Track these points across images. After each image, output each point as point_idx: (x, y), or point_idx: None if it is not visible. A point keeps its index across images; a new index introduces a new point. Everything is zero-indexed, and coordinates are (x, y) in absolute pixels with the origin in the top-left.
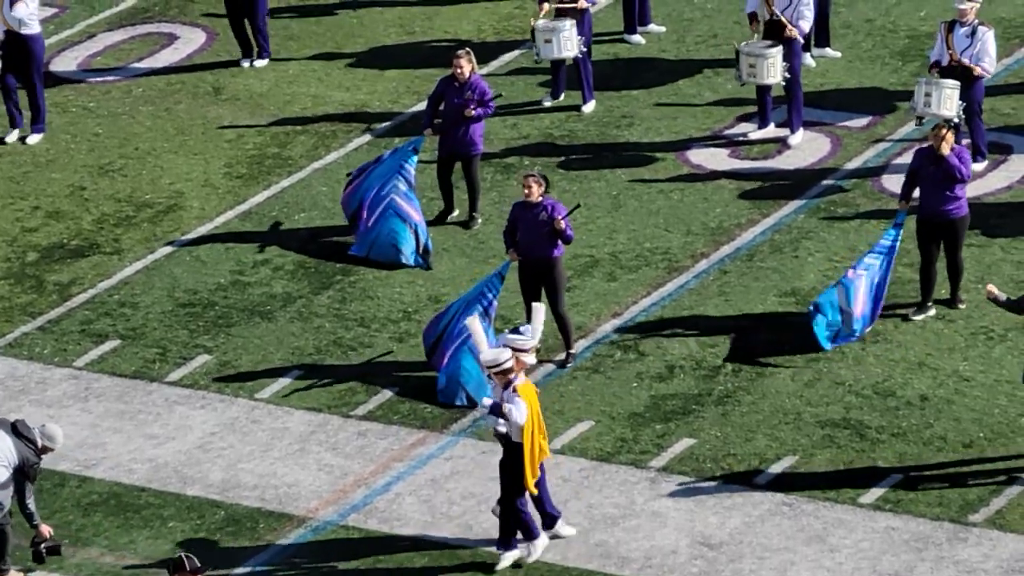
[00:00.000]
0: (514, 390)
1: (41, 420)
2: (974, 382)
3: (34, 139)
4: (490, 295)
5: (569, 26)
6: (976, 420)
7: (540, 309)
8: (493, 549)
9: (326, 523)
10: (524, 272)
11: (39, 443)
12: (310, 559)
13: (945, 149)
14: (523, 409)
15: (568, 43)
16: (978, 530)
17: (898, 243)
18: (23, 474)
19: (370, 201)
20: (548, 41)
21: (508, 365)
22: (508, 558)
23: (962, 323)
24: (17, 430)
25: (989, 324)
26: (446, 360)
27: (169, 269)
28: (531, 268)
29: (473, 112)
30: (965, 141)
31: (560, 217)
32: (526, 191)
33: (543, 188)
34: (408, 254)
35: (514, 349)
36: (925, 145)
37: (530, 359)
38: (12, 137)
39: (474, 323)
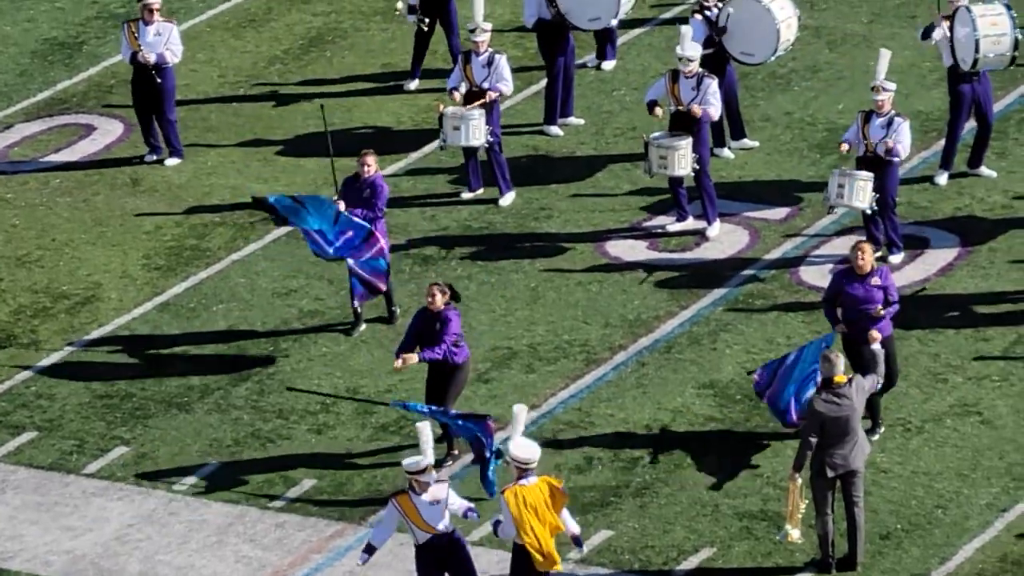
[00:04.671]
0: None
1: None
2: (891, 474)
3: None
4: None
5: (478, 115)
6: (893, 512)
7: (522, 410)
8: None
9: None
10: (430, 374)
11: None
12: None
13: (867, 268)
14: (504, 514)
15: (476, 131)
16: None
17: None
18: None
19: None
20: (456, 128)
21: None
22: None
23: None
24: None
25: (906, 416)
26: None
27: (86, 361)
28: (435, 371)
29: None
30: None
31: (445, 342)
32: (428, 299)
33: (447, 297)
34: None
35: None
36: (844, 266)
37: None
38: None
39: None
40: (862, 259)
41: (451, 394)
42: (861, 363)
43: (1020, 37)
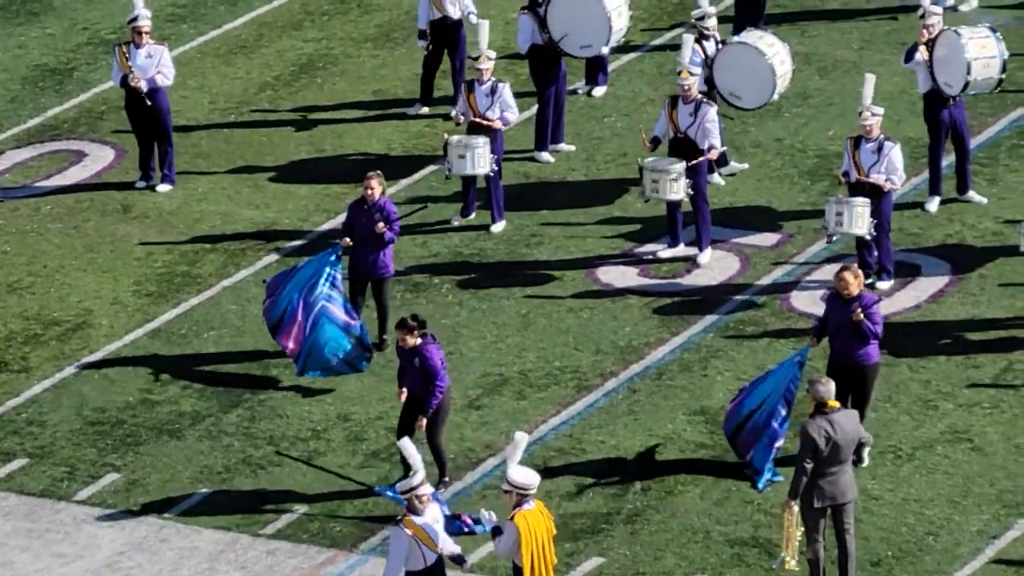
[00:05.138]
0: (512, 518)
1: None
2: (882, 500)
3: None
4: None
5: (483, 143)
6: (884, 539)
7: (523, 438)
8: None
9: None
10: (404, 407)
11: None
12: None
13: (853, 292)
14: (512, 538)
15: (481, 159)
16: None
17: (796, 383)
18: None
19: (299, 310)
20: (462, 156)
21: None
22: None
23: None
24: None
25: (897, 443)
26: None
27: (77, 387)
28: (410, 405)
29: (383, 231)
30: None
31: (437, 387)
32: (400, 341)
33: (416, 334)
34: (343, 363)
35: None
36: (833, 291)
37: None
38: None
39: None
40: (843, 285)
41: (439, 422)
42: (848, 389)
43: (1007, 58)
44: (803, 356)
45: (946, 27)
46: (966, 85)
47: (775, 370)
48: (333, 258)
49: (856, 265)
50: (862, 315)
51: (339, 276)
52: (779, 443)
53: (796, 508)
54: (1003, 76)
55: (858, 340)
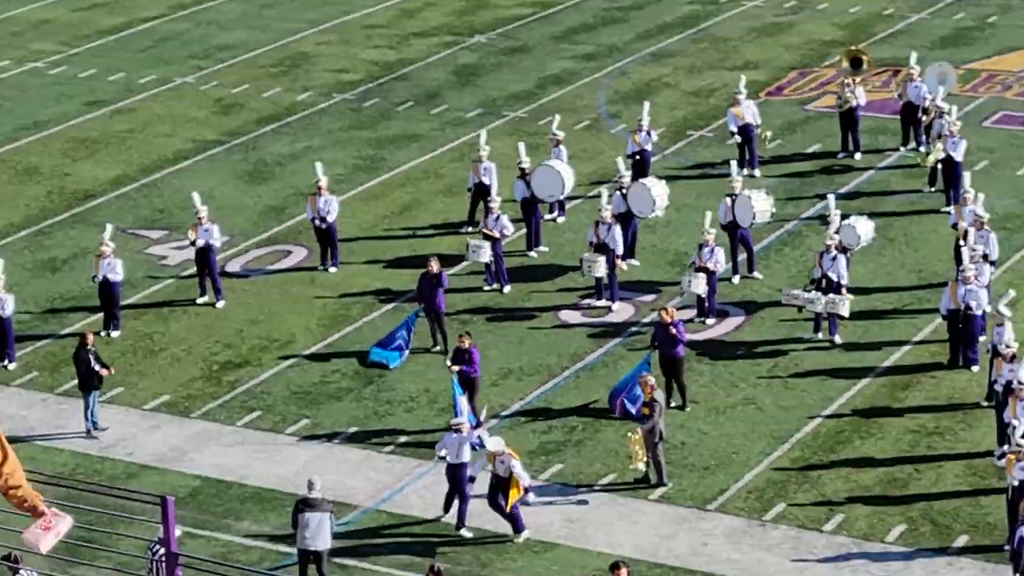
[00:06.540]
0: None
1: None
2: (708, 435)
3: None
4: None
5: (487, 245)
6: (709, 455)
7: (497, 442)
8: None
9: None
10: (460, 380)
11: None
12: None
13: (668, 320)
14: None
15: (484, 253)
16: None
17: (647, 365)
18: None
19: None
20: (474, 251)
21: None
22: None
23: None
24: None
25: (715, 405)
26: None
27: (286, 374)
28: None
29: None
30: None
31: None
32: (459, 344)
33: (469, 339)
34: (384, 355)
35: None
36: (658, 322)
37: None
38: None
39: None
40: (666, 315)
41: (476, 389)
42: (668, 372)
43: (773, 212)
44: (648, 357)
45: (743, 191)
46: (754, 218)
47: (636, 365)
48: (412, 316)
49: (672, 307)
50: (674, 331)
51: (413, 321)
52: (632, 405)
53: (639, 435)
54: (773, 214)
55: (672, 344)
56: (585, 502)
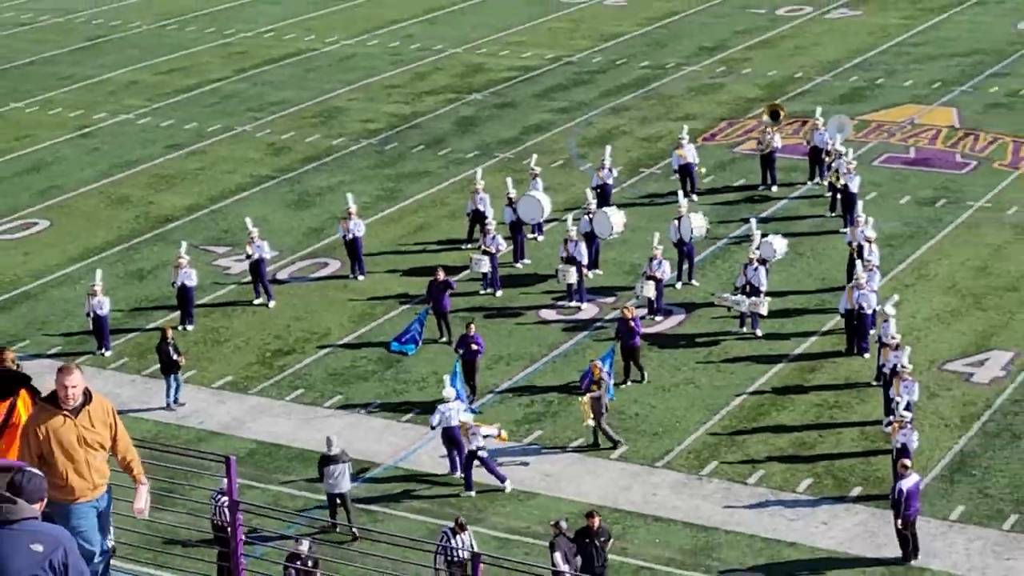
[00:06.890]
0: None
1: None
2: (656, 408)
3: None
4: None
5: (487, 259)
6: (658, 423)
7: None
8: None
9: None
10: (464, 364)
11: None
12: None
13: (628, 316)
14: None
15: (483, 264)
16: None
17: (611, 357)
18: None
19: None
20: (478, 261)
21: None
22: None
23: None
24: None
25: (662, 384)
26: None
27: (323, 360)
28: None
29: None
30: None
31: (480, 347)
32: (466, 329)
33: (473, 327)
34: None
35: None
36: (620, 317)
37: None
38: None
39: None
40: (625, 312)
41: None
42: (627, 358)
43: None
44: (613, 348)
45: (686, 213)
46: (692, 236)
47: (606, 351)
48: (423, 313)
49: (631, 306)
50: (633, 325)
51: (424, 318)
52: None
53: (587, 401)
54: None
55: (631, 336)
56: (527, 463)
